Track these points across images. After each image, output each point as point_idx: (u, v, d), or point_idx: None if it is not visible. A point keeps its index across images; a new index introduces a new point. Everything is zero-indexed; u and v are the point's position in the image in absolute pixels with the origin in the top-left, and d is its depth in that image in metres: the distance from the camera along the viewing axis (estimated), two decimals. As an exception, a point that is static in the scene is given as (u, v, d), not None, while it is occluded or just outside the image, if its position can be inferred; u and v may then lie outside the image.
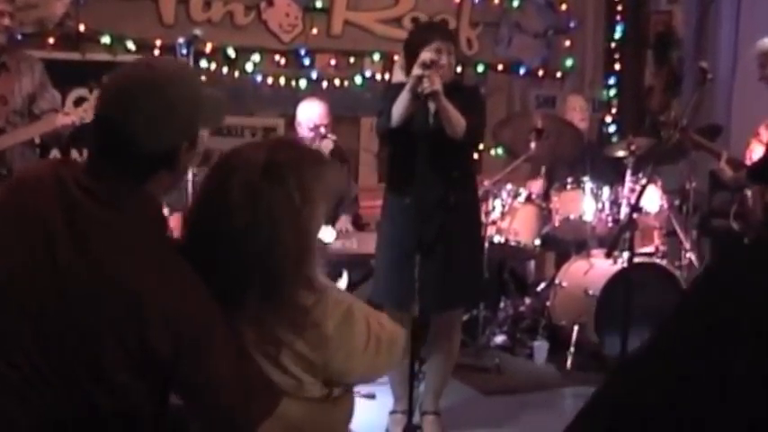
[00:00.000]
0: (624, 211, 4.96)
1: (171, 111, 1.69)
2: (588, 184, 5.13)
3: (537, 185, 5.39)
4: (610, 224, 5.09)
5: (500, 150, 6.10)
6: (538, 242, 5.12)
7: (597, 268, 5.02)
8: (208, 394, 1.68)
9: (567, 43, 6.67)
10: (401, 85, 3.64)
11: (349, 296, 1.93)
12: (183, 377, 1.66)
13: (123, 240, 1.66)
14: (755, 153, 4.74)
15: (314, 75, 5.83)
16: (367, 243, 4.44)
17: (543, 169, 5.50)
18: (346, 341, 1.80)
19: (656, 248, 5.20)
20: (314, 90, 5.66)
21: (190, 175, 3.97)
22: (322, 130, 4.74)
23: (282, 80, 5.76)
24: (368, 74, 5.98)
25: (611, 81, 6.90)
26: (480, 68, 6.32)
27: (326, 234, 4.08)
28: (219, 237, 1.72)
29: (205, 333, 1.65)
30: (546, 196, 5.30)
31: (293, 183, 1.74)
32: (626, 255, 4.00)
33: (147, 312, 1.60)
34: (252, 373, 1.73)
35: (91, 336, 1.61)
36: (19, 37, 4.90)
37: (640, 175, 5.05)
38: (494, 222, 4.98)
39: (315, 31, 5.81)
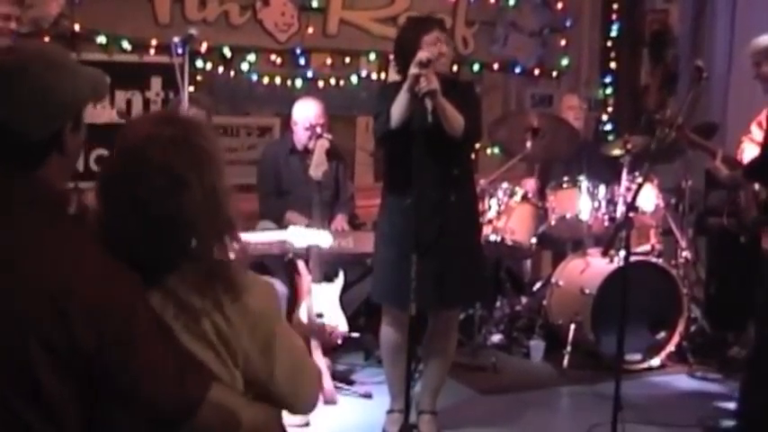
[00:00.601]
0: (620, 209, 4.97)
1: (43, 93, 1.61)
2: (584, 182, 5.13)
3: (530, 184, 5.39)
4: (606, 223, 5.09)
5: (496, 149, 6.09)
6: (534, 241, 5.12)
7: (593, 267, 5.03)
8: (140, 384, 1.59)
9: (563, 42, 6.66)
10: (395, 85, 3.64)
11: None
12: (111, 373, 1.56)
13: (27, 234, 1.58)
14: (746, 152, 4.73)
15: (310, 74, 5.81)
16: (363, 242, 4.43)
17: (537, 168, 5.50)
18: (267, 318, 1.76)
19: (653, 247, 5.21)
20: (310, 89, 5.65)
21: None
22: (318, 129, 4.75)
23: (278, 80, 5.74)
24: (364, 73, 5.97)
25: (607, 80, 6.90)
26: (476, 67, 6.32)
27: (323, 239, 4.06)
28: (165, 212, 1.67)
29: (128, 321, 1.57)
30: (541, 195, 5.30)
31: (206, 146, 1.73)
32: (622, 253, 4.00)
33: (71, 308, 1.52)
34: (180, 353, 1.66)
35: (15, 342, 1.51)
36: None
37: (636, 173, 5.05)
38: (490, 221, 4.98)
39: (310, 30, 5.80)
